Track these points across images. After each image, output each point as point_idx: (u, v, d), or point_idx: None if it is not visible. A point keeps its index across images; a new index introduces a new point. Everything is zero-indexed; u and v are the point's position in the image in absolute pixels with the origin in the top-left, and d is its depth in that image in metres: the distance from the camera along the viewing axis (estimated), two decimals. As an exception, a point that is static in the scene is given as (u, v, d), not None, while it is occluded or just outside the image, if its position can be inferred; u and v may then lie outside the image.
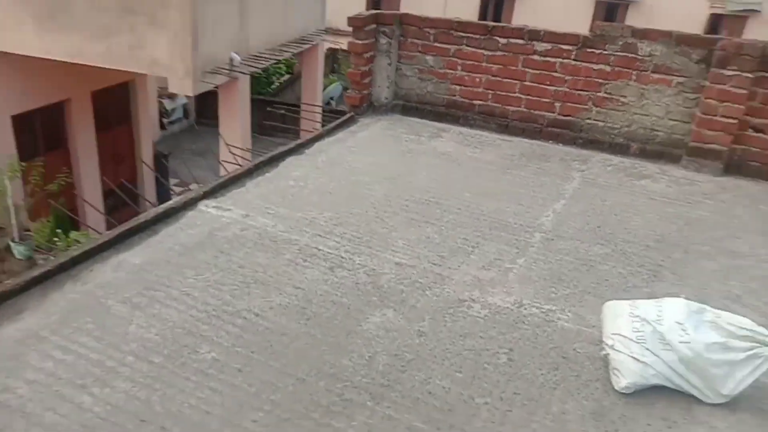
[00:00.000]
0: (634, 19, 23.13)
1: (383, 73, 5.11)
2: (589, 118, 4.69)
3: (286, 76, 19.91)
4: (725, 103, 4.13)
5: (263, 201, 3.52)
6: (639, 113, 4.52)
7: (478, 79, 4.93)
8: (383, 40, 5.00)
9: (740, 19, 22.56)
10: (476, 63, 4.88)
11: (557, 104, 4.74)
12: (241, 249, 3.00)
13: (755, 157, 4.30)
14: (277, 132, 15.68)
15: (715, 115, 4.17)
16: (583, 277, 2.93)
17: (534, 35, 4.62)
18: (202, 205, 3.41)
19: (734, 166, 4.30)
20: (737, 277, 2.99)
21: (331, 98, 18.31)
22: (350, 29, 4.88)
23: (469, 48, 4.86)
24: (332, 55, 20.26)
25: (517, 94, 4.84)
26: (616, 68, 4.47)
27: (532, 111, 4.84)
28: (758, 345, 2.07)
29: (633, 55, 4.39)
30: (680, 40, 4.24)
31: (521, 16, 24.35)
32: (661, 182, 4.15)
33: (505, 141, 4.76)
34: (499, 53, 4.78)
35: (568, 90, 4.67)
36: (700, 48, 4.21)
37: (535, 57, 4.67)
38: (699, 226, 3.52)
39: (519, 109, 4.88)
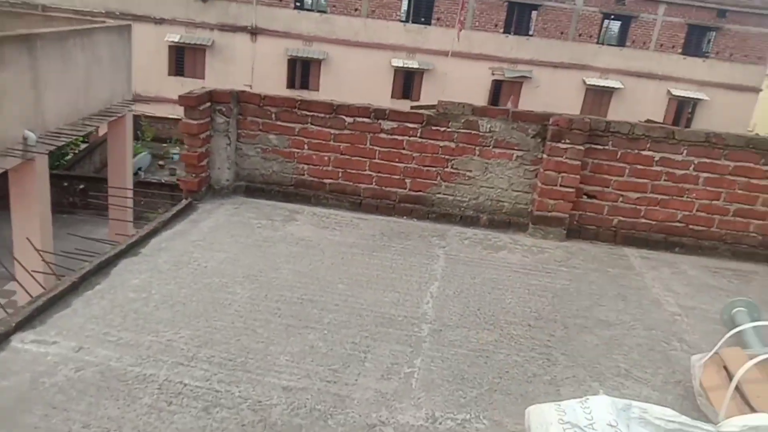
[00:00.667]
0: (430, 84, 25.32)
1: (222, 154, 4.67)
2: (439, 193, 4.72)
3: (82, 146, 18.05)
4: (562, 174, 4.42)
5: (99, 325, 2.85)
6: (485, 186, 4.67)
7: (326, 158, 4.73)
8: (220, 120, 4.58)
9: (516, 84, 25.88)
10: (323, 142, 4.69)
11: (407, 180, 4.71)
12: (81, 399, 2.33)
13: (591, 221, 4.65)
14: (77, 209, 13.94)
15: (555, 185, 4.45)
16: (484, 371, 2.77)
17: (380, 114, 4.57)
18: (17, 341, 2.65)
19: (574, 231, 4.61)
20: (617, 349, 3.07)
21: (140, 169, 16.92)
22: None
23: (314, 127, 4.65)
24: (134, 121, 18.88)
25: (367, 172, 4.73)
26: (460, 144, 4.59)
27: (383, 188, 4.75)
28: (687, 437, 2.05)
29: (475, 132, 4.55)
30: (516, 117, 4.50)
31: (327, 83, 25.27)
32: (516, 252, 4.27)
33: (362, 219, 4.58)
34: (346, 132, 4.64)
35: (416, 166, 4.67)
36: (534, 124, 4.49)
37: (383, 135, 4.62)
38: (566, 297, 3.62)
39: (370, 186, 4.76)
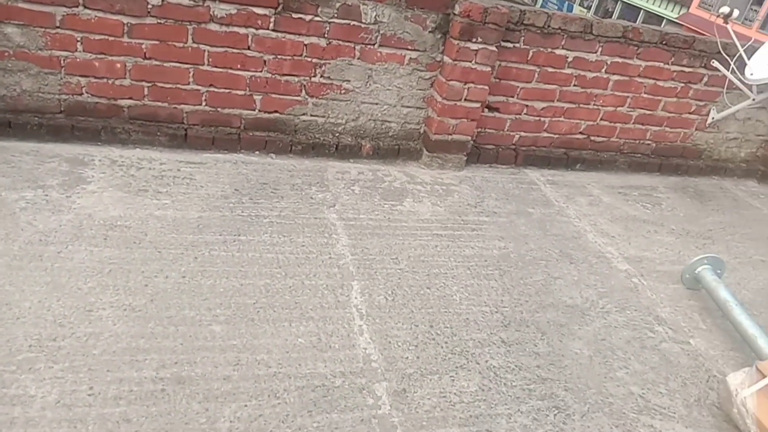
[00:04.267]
0: None
1: None
2: (304, 114, 3.29)
3: None
4: (469, 84, 3.32)
5: None
6: (367, 101, 3.36)
7: (120, 65, 2.89)
8: None
9: None
10: (112, 38, 2.81)
11: (257, 97, 3.16)
12: None
13: (490, 140, 3.72)
14: None
15: (459, 100, 3.35)
16: (500, 469, 1.81)
17: (207, -10, 2.82)
18: None
19: (472, 154, 3.65)
20: (612, 358, 2.32)
21: None
22: None
23: (92, 12, 2.73)
24: None
25: (192, 86, 3.04)
26: (334, 41, 3.13)
27: (220, 109, 3.14)
28: None
29: (355, 23, 3.11)
30: (412, 2, 3.14)
31: None
32: (422, 199, 3.20)
33: (195, 165, 2.99)
34: (150, 21, 2.82)
35: (270, 75, 3.12)
36: (434, 12, 3.21)
37: (214, 27, 2.91)
38: (513, 272, 2.73)
39: (199, 107, 3.10)
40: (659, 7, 32.93)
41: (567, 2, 37.21)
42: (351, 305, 2.32)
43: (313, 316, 2.22)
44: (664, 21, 31.04)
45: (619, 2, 35.04)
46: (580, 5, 37.37)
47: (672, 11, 32.14)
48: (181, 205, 2.66)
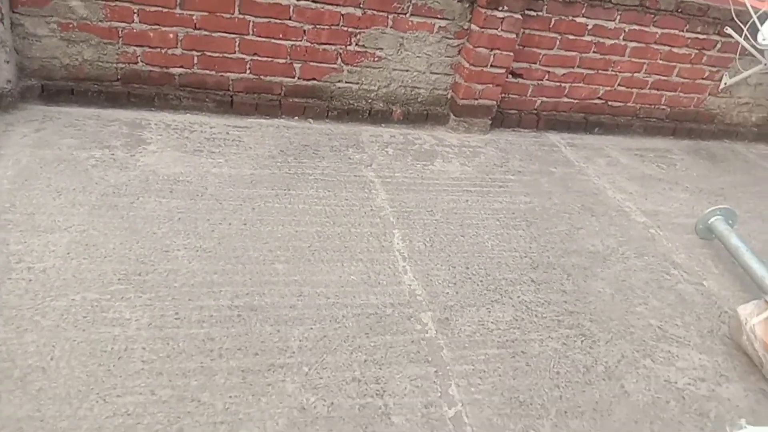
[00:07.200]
0: None
1: (-10, 38, 2.77)
2: (340, 81, 3.50)
3: None
4: (495, 51, 3.51)
5: None
6: (398, 68, 3.57)
7: (171, 35, 3.11)
8: (-25, -24, 2.62)
9: None
10: (165, 10, 3.03)
11: (297, 65, 3.38)
12: None
13: (514, 105, 3.93)
14: None
15: (485, 66, 3.55)
16: (535, 381, 2.05)
17: (251, -36, 3.03)
18: None
19: (496, 118, 3.86)
20: (632, 295, 2.56)
21: None
22: None
23: (147, -15, 2.95)
24: None
25: (238, 54, 3.26)
26: (369, 11, 3.33)
27: (263, 77, 3.36)
28: None
29: (388, -7, 3.31)
30: (441, -27, 3.34)
31: None
32: (451, 160, 3.42)
33: (242, 129, 3.23)
34: (200, -7, 3.04)
35: (309, 44, 3.33)
36: (462, -17, 3.40)
37: (259, -2, 3.12)
38: (539, 223, 2.96)
39: (244, 75, 3.33)
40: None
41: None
42: (394, 249, 2.56)
43: (362, 258, 2.47)
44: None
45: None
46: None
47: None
48: (234, 164, 2.90)
